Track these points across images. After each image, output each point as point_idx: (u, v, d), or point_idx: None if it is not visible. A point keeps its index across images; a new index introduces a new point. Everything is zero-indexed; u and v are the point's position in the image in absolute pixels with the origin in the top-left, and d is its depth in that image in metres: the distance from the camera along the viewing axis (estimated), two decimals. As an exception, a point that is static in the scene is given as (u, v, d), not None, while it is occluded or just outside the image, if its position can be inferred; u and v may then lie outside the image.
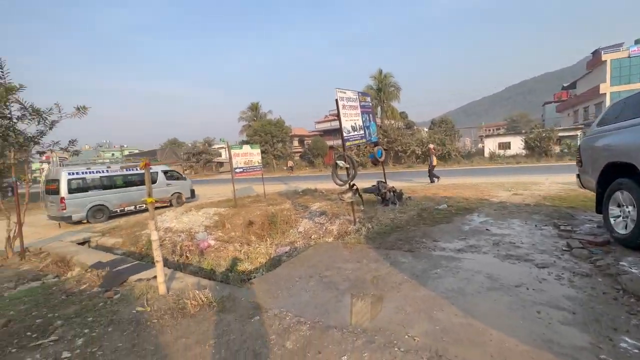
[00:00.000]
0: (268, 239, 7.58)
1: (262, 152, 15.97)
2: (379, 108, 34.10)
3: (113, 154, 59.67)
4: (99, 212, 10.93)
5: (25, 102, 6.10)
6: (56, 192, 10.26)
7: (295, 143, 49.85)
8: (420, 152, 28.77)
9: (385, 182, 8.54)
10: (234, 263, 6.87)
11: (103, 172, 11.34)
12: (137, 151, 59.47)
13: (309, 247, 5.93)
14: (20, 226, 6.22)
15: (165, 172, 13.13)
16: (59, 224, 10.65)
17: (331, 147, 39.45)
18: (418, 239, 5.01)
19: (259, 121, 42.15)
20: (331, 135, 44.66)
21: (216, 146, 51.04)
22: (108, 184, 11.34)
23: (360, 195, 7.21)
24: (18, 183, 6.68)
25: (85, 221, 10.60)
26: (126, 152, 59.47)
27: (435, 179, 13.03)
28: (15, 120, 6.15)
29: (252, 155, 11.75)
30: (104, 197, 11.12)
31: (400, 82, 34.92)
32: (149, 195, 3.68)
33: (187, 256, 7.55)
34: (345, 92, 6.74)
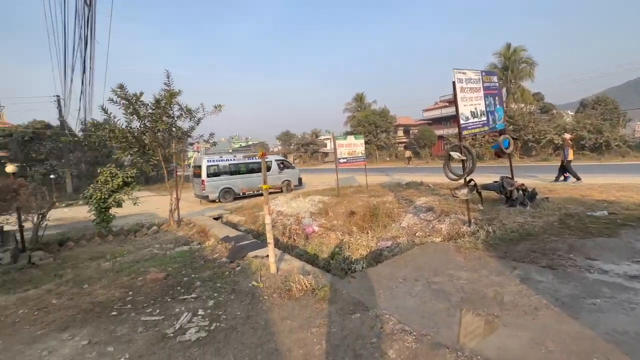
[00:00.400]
0: (369, 231, 7.45)
1: (366, 142, 15.83)
2: (504, 90, 28.82)
3: (240, 145, 70.86)
4: (227, 193, 13.17)
5: (182, 103, 7.72)
6: (199, 175, 12.85)
7: (400, 133, 47.74)
8: (560, 142, 22.99)
9: (512, 178, 7.11)
10: (335, 251, 7.04)
11: (231, 160, 13.52)
12: (257, 142, 68.83)
13: (413, 245, 5.50)
14: (178, 201, 8.00)
15: (278, 161, 14.64)
16: (201, 201, 13.34)
17: (440, 137, 36.02)
18: (562, 253, 3.93)
19: (363, 111, 42.05)
20: (440, 123, 40.66)
21: (322, 137, 53.98)
22: (234, 170, 13.50)
23: (478, 192, 6.20)
24: (178, 167, 8.57)
25: (217, 200, 12.94)
26: (250, 143, 69.61)
27: (563, 178, 10.21)
28: (175, 119, 7.87)
29: (355, 145, 11.77)
30: (231, 181, 13.29)
31: (535, 56, 28.53)
32: (264, 182, 4.04)
33: (294, 239, 8.21)
34: (464, 73, 5.82)
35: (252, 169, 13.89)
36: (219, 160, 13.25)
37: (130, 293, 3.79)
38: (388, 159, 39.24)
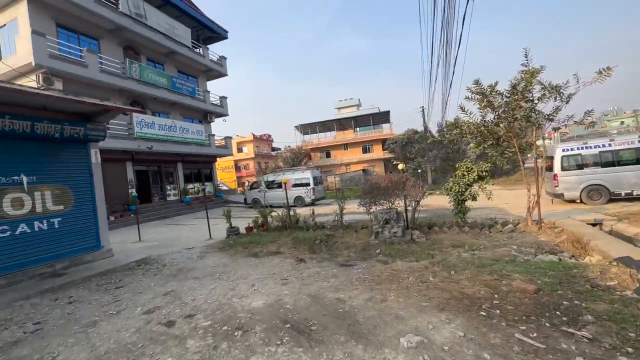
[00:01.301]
0: None
1: None
2: None
3: (622, 122, 49.61)
4: (595, 192, 9.55)
5: (545, 81, 6.38)
6: (551, 168, 10.29)
7: None
8: None
9: None
10: None
11: (603, 146, 9.50)
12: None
13: None
14: (539, 198, 6.78)
15: None
16: (552, 200, 10.66)
17: None
18: None
19: None
20: None
21: None
22: (610, 160, 9.44)
23: None
24: (538, 159, 7.30)
25: (578, 201, 9.68)
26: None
27: None
28: (535, 102, 6.67)
29: None
30: (603, 175, 9.44)
31: None
32: None
33: None
34: None
35: None
36: (582, 148, 9.83)
37: (496, 296, 3.55)
38: None
